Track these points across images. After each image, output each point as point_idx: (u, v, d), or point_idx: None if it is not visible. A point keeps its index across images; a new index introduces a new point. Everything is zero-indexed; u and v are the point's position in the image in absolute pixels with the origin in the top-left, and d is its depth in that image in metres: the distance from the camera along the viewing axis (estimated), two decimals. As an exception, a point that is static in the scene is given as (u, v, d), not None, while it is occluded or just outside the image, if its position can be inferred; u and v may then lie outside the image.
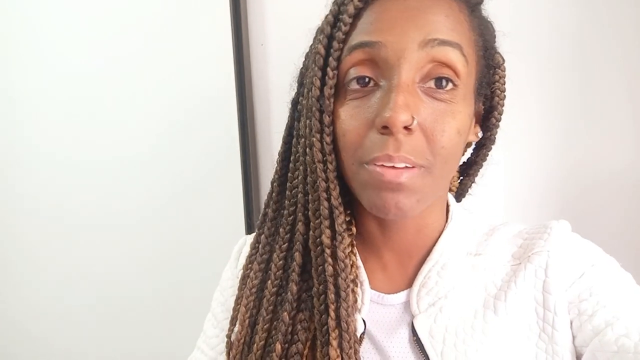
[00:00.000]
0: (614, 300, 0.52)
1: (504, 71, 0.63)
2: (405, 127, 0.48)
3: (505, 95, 0.64)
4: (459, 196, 0.73)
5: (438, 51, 0.50)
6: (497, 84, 0.62)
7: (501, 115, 0.64)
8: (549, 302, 0.54)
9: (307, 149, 0.57)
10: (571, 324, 0.53)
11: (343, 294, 0.55)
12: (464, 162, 0.71)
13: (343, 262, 0.55)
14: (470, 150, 0.70)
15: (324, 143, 0.54)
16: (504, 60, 0.63)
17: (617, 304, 0.51)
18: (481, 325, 0.55)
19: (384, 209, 0.51)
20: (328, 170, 0.55)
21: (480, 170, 0.71)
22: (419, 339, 0.55)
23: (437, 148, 0.50)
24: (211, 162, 1.18)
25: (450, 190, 0.70)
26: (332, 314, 0.54)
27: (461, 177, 0.72)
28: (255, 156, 1.12)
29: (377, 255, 0.63)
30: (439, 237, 0.61)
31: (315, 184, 0.57)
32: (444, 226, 0.62)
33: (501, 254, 0.60)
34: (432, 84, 0.51)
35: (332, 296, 0.55)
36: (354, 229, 0.62)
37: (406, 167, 0.50)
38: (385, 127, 0.48)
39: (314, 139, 0.55)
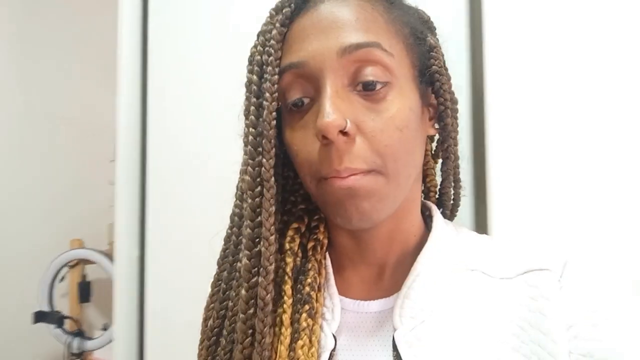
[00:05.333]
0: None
1: (440, 54, 0.62)
2: (342, 133, 0.50)
3: (447, 79, 0.63)
4: (452, 207, 0.72)
5: (358, 55, 0.52)
6: (434, 67, 0.61)
7: (449, 102, 0.62)
8: (543, 326, 0.51)
9: (245, 177, 0.57)
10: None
11: (258, 336, 0.54)
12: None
13: (263, 300, 0.54)
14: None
15: (264, 170, 0.55)
16: (437, 43, 0.63)
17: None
18: (467, 344, 0.53)
19: (346, 216, 0.53)
20: (264, 198, 0.55)
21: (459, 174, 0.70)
22: (399, 354, 0.54)
23: (381, 147, 0.52)
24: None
25: (430, 199, 0.71)
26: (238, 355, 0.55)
27: (440, 182, 0.71)
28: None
29: (353, 267, 0.63)
30: (418, 246, 0.61)
31: (251, 212, 0.56)
32: (425, 235, 0.62)
33: (489, 266, 0.58)
34: (361, 87, 0.53)
35: (242, 337, 0.55)
36: (322, 238, 0.63)
37: (355, 174, 0.51)
38: (325, 137, 0.50)
39: (249, 166, 0.56)
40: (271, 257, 0.55)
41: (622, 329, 0.50)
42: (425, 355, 0.53)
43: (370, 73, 0.52)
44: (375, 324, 0.58)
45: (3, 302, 2.03)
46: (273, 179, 0.55)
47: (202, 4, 1.23)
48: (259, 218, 0.56)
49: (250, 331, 0.55)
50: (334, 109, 0.50)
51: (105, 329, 1.96)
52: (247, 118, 0.57)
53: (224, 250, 0.64)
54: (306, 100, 0.54)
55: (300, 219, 0.63)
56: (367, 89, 0.53)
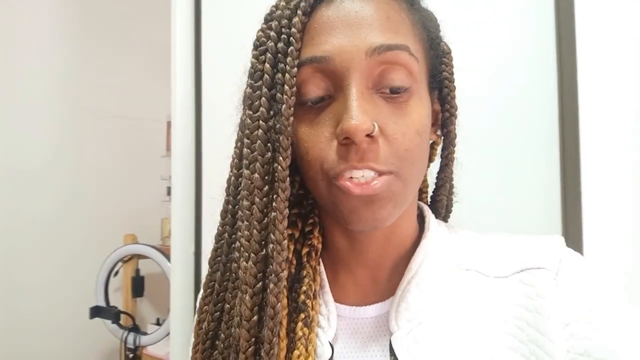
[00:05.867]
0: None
1: (451, 60, 0.63)
2: (367, 135, 0.48)
3: (455, 87, 0.63)
4: (445, 213, 0.71)
5: (386, 56, 0.50)
6: (444, 73, 0.61)
7: (454, 109, 0.63)
8: (540, 325, 0.50)
9: (252, 175, 0.54)
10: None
11: (267, 346, 0.52)
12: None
13: (274, 308, 0.52)
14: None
15: (280, 168, 0.52)
16: (449, 49, 0.63)
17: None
18: (464, 345, 0.52)
19: (360, 222, 0.51)
20: (279, 198, 0.52)
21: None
22: (396, 358, 0.53)
23: (401, 151, 0.50)
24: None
25: (422, 200, 0.69)
26: None
27: (435, 189, 0.70)
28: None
29: (348, 270, 0.61)
30: (413, 248, 0.60)
31: (259, 212, 0.53)
32: (419, 236, 0.61)
33: (484, 265, 0.57)
34: (387, 90, 0.51)
35: (245, 346, 0.53)
36: (317, 244, 0.60)
37: (374, 175, 0.49)
38: (347, 138, 0.48)
39: (257, 162, 0.53)
40: (283, 262, 0.53)
41: (619, 326, 0.50)
42: (424, 358, 0.52)
43: (396, 76, 0.51)
44: (372, 329, 0.57)
45: (61, 297, 2.09)
46: (289, 179, 0.53)
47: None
48: (269, 220, 0.53)
49: (254, 339, 0.53)
50: (362, 111, 0.48)
51: (158, 323, 1.99)
52: (252, 109, 0.54)
53: (215, 249, 0.62)
54: (325, 96, 0.52)
55: (293, 224, 0.60)
56: (392, 93, 0.51)
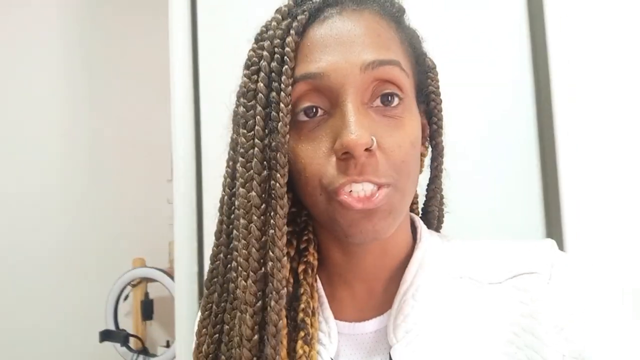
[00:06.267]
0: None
1: (436, 75, 0.64)
2: (366, 149, 0.49)
3: (441, 100, 0.64)
4: (437, 224, 0.72)
5: (379, 72, 0.51)
6: (430, 87, 0.63)
7: (441, 121, 0.65)
8: (536, 331, 0.51)
9: (249, 193, 0.54)
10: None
11: None
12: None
13: (276, 326, 0.52)
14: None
15: (278, 185, 0.53)
16: (434, 64, 0.64)
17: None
18: (462, 353, 0.53)
19: (361, 234, 0.51)
20: (277, 216, 0.53)
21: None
22: None
23: (398, 163, 0.51)
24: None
25: (413, 211, 0.70)
26: None
27: (426, 201, 0.71)
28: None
29: (345, 285, 0.61)
30: (408, 259, 0.60)
31: (257, 230, 0.54)
32: (412, 247, 0.62)
33: (478, 272, 0.58)
34: (379, 102, 0.53)
35: None
36: (313, 260, 0.60)
37: (374, 188, 0.50)
38: (346, 153, 0.49)
39: (253, 181, 0.53)
40: (283, 280, 0.53)
41: (613, 329, 0.50)
42: None
43: (389, 91, 0.52)
44: (372, 343, 0.57)
45: (71, 321, 2.12)
46: (287, 196, 0.53)
47: (251, 25, 1.24)
48: (267, 237, 0.53)
49: (255, 359, 0.53)
50: (360, 126, 0.49)
51: (168, 345, 2.00)
52: (246, 128, 0.54)
53: (211, 270, 0.62)
54: (320, 112, 0.53)
55: (288, 242, 0.59)
56: (386, 104, 0.53)
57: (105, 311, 2.02)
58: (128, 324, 2.11)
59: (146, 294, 2.14)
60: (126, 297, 2.09)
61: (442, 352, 0.53)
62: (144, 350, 1.98)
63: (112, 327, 2.00)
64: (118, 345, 1.96)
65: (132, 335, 2.01)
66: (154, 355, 1.95)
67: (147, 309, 2.13)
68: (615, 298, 0.54)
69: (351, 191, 0.50)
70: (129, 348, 1.97)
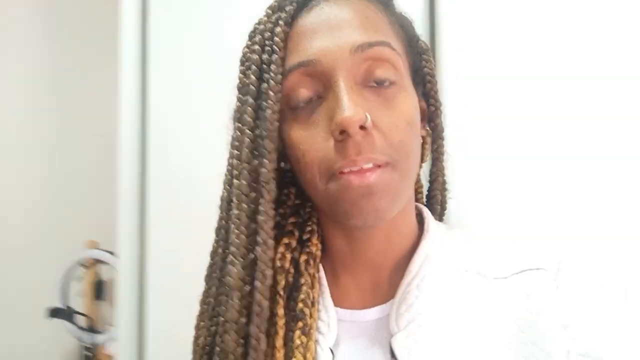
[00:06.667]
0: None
1: (430, 56, 0.65)
2: (361, 127, 0.49)
3: (436, 81, 0.65)
4: (440, 210, 0.72)
5: (370, 53, 0.53)
6: (425, 69, 0.64)
7: (439, 103, 0.66)
8: (541, 327, 0.51)
9: (240, 183, 0.55)
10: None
11: (254, 342, 0.52)
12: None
13: (260, 304, 0.53)
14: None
15: (265, 170, 0.53)
16: (428, 46, 0.65)
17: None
18: (464, 346, 0.52)
19: (361, 216, 0.52)
20: (264, 200, 0.53)
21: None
22: None
23: (395, 142, 0.52)
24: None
25: (418, 201, 0.69)
26: None
27: (429, 185, 0.71)
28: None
29: (348, 274, 0.62)
30: (413, 248, 0.60)
31: (246, 218, 0.54)
32: (419, 237, 0.62)
33: (484, 266, 0.57)
34: (373, 82, 0.53)
35: (233, 347, 0.53)
36: (316, 251, 0.61)
37: (373, 166, 0.51)
38: (342, 132, 0.49)
39: (245, 170, 0.54)
40: (269, 261, 0.54)
41: (618, 327, 0.50)
42: (424, 359, 0.52)
43: (381, 70, 0.53)
44: (373, 332, 0.57)
45: (23, 301, 2.15)
46: (274, 181, 0.54)
47: (202, 31, 1.27)
48: (256, 222, 0.54)
49: (243, 341, 0.53)
50: (353, 103, 0.49)
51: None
52: (240, 121, 0.55)
53: (210, 266, 0.62)
54: (315, 99, 0.54)
55: (290, 233, 0.61)
56: (380, 86, 0.53)
57: (56, 289, 2.06)
58: (80, 303, 2.15)
59: (98, 276, 2.18)
60: (77, 278, 2.13)
61: (444, 344, 0.53)
62: (91, 328, 2.03)
63: (61, 305, 2.04)
64: (66, 322, 2.01)
65: (81, 314, 2.06)
66: (101, 333, 2.01)
67: (99, 290, 2.16)
68: (622, 296, 0.53)
69: (350, 170, 0.50)
70: (76, 325, 2.02)
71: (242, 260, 0.54)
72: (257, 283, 0.53)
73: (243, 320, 0.54)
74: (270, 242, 0.54)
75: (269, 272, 0.54)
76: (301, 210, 0.63)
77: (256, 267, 0.54)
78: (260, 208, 0.53)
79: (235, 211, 0.55)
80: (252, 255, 0.54)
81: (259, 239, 0.53)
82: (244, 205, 0.54)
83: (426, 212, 0.65)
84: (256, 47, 0.55)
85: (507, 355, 0.50)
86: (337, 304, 0.59)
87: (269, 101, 0.52)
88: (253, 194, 0.54)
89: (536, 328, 0.50)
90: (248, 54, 0.57)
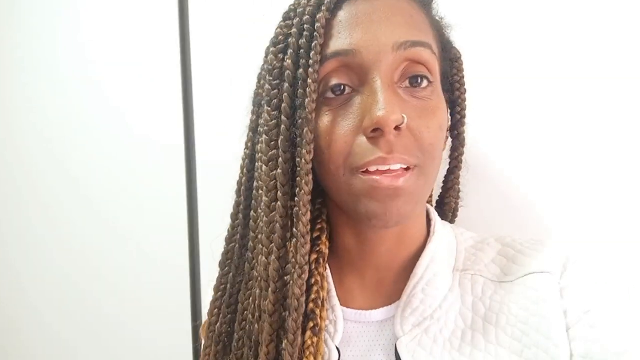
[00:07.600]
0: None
1: (462, 65, 0.65)
2: (396, 127, 0.48)
3: (465, 90, 0.65)
4: (451, 218, 0.72)
5: (411, 53, 0.51)
6: (455, 77, 0.63)
7: (465, 111, 0.65)
8: (545, 330, 0.50)
9: (272, 172, 0.54)
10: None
11: (290, 337, 0.52)
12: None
13: (298, 300, 0.52)
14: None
15: (304, 162, 0.52)
16: (460, 54, 0.65)
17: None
18: (469, 350, 0.52)
19: (384, 217, 0.50)
20: (302, 192, 0.52)
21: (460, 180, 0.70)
22: None
23: (426, 145, 0.51)
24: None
25: (427, 202, 0.69)
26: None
27: (443, 192, 0.71)
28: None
29: (355, 273, 0.61)
30: (421, 250, 0.59)
31: (282, 208, 0.53)
32: (426, 239, 0.61)
33: (489, 269, 0.58)
34: (407, 83, 0.52)
35: (268, 339, 0.53)
36: (325, 249, 0.59)
37: (401, 169, 0.49)
38: (375, 130, 0.48)
39: (280, 159, 0.53)
40: (306, 255, 0.53)
41: (621, 328, 0.49)
42: None
43: (419, 72, 0.52)
44: (378, 333, 0.57)
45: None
46: (312, 173, 0.53)
47: None
48: (292, 214, 0.53)
49: (275, 334, 0.53)
50: (390, 102, 0.48)
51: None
52: (270, 106, 0.54)
53: (226, 252, 0.61)
54: (348, 90, 0.52)
55: None
56: (415, 85, 0.52)
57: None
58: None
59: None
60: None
61: (449, 347, 0.53)
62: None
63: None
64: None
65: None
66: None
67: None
68: (626, 299, 0.52)
69: (378, 170, 0.49)
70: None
71: (277, 251, 0.53)
72: (295, 277, 0.52)
73: (278, 313, 0.53)
74: (308, 236, 0.53)
75: (306, 267, 0.53)
76: (311, 207, 0.60)
77: (291, 260, 0.53)
78: (297, 199, 0.52)
79: (266, 199, 0.53)
80: (286, 248, 0.53)
81: (295, 231, 0.52)
82: (280, 195, 0.53)
83: (433, 213, 0.64)
84: (293, 30, 0.53)
85: (510, 358, 0.50)
86: (342, 303, 0.59)
87: (308, 89, 0.51)
88: (289, 184, 0.53)
89: (540, 331, 0.50)
90: (281, 37, 0.55)
